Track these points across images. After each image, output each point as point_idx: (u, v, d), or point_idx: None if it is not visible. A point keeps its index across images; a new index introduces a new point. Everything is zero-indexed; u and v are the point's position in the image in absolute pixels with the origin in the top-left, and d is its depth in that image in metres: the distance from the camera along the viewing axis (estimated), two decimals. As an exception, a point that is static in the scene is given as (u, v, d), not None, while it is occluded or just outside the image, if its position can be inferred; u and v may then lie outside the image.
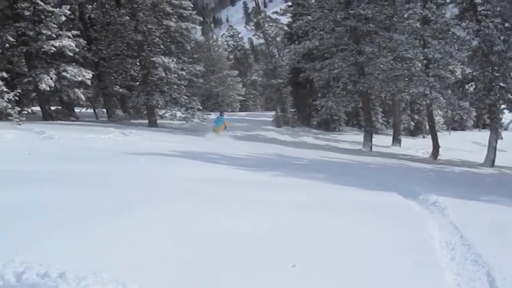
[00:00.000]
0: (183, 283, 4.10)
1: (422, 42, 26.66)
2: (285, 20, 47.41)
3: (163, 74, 29.32)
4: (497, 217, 8.46)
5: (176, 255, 4.62)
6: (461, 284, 4.86)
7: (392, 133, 40.36)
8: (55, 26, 24.72)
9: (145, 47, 30.18)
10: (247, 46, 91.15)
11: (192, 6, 33.01)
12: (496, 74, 24.50)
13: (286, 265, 4.66)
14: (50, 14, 24.76)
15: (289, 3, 43.62)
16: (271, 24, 49.40)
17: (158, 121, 32.01)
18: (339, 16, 28.94)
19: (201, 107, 32.94)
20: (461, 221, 7.66)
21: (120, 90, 31.97)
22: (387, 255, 5.49)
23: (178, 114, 31.62)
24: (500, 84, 24.65)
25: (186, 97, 30.79)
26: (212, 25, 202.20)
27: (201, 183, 8.94)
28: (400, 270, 5.02)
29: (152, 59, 29.08)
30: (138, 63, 31.50)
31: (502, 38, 23.63)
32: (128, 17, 29.70)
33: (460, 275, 5.15)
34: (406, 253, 5.68)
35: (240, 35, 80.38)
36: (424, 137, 48.92)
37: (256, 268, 4.55)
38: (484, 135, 31.24)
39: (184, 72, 30.41)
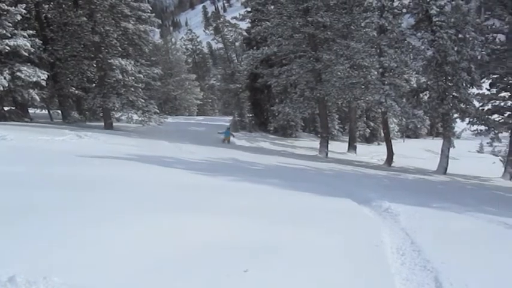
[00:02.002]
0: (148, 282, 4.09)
1: (378, 51, 27.13)
2: (244, 25, 47.64)
3: (120, 76, 29.06)
4: (447, 224, 8.70)
5: (130, 261, 4.57)
6: (409, 289, 4.96)
7: (348, 140, 40.86)
8: (10, 24, 24.22)
9: (103, 48, 29.91)
10: (206, 50, 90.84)
11: (151, 8, 32.90)
12: (450, 84, 25.07)
13: (239, 270, 4.68)
14: (5, 13, 24.24)
15: (249, 9, 43.75)
16: (230, 29, 49.60)
17: (114, 124, 31.73)
18: (297, 23, 29.15)
19: (158, 110, 32.86)
20: (412, 227, 7.81)
21: (76, 91, 31.43)
22: (338, 261, 5.54)
23: (135, 117, 31.42)
24: (453, 93, 25.24)
25: (143, 100, 30.61)
26: (171, 28, 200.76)
27: (157, 188, 8.89)
28: (350, 276, 5.07)
29: (109, 60, 28.83)
30: (94, 65, 31.17)
31: (455, 48, 24.18)
32: (85, 18, 29.32)
33: (409, 280, 5.25)
34: (357, 259, 5.74)
35: (199, 39, 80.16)
36: (379, 144, 49.77)
37: (210, 274, 4.56)
38: (437, 143, 31.88)
39: (141, 75, 30.26)
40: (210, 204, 7.87)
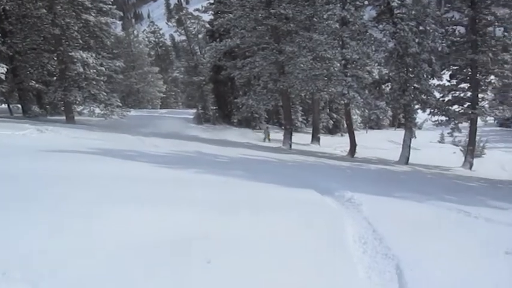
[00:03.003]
0: (99, 281, 4.05)
1: (340, 43, 27.31)
2: (207, 17, 47.39)
3: (82, 70, 28.70)
4: (408, 212, 8.85)
5: (94, 253, 4.56)
6: (371, 277, 5.04)
7: (311, 131, 41.07)
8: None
9: (63, 41, 29.47)
10: (168, 43, 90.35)
11: (112, 0, 32.47)
12: (411, 75, 25.36)
13: (202, 261, 4.69)
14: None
15: (211, 1, 43.57)
16: (193, 21, 49.30)
17: (76, 118, 31.38)
18: (260, 15, 29.12)
19: (120, 104, 32.56)
20: (374, 217, 7.92)
21: (36, 85, 30.94)
22: (300, 251, 5.58)
23: (97, 110, 31.11)
24: (415, 85, 25.55)
25: (105, 93, 30.32)
26: (133, 20, 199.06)
27: (121, 182, 8.81)
28: (312, 265, 5.12)
29: (70, 53, 28.43)
30: (55, 58, 30.68)
31: (416, 40, 24.45)
32: (45, 10, 28.84)
33: (371, 268, 5.35)
34: (319, 249, 5.81)
35: (161, 31, 79.65)
36: (342, 135, 50.19)
37: (173, 265, 4.56)
38: (399, 134, 32.28)
39: (103, 68, 29.95)
40: (173, 196, 7.84)
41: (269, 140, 36.00)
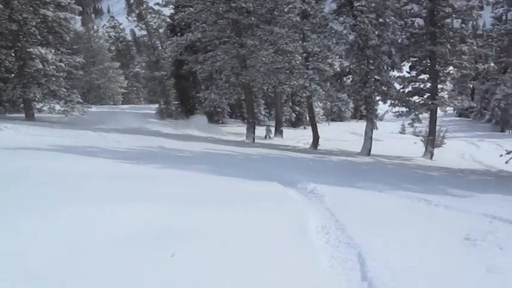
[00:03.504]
0: (67, 278, 4.01)
1: (302, 36, 27.48)
2: (168, 11, 46.99)
3: (41, 66, 28.12)
4: (370, 202, 8.98)
5: (56, 250, 4.51)
6: (334, 266, 5.08)
7: (274, 124, 41.19)
8: None
9: (21, 37, 28.85)
10: (129, 37, 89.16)
11: (71, -6, 31.97)
12: (371, 67, 25.60)
13: (166, 255, 4.67)
14: None
15: (172, -5, 43.26)
16: (153, 15, 48.93)
17: (36, 115, 30.77)
18: (221, 9, 28.97)
19: (81, 100, 32.07)
20: (337, 207, 8.00)
21: (-6, 82, 30.30)
22: (263, 243, 5.59)
23: (57, 107, 30.59)
24: (375, 77, 25.78)
25: (65, 89, 29.82)
26: (93, 15, 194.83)
27: (81, 178, 8.69)
28: (275, 256, 5.13)
29: (28, 49, 27.85)
30: (13, 54, 29.99)
31: (376, 32, 24.66)
32: (1, 5, 28.17)
33: (334, 257, 5.39)
34: (282, 240, 5.83)
35: (121, 26, 78.91)
36: (305, 128, 50.52)
37: (136, 259, 4.53)
38: (361, 125, 32.59)
39: (63, 64, 29.44)
40: (136, 192, 7.76)
41: (270, 137, 37.59)
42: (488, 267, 5.15)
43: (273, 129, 39.52)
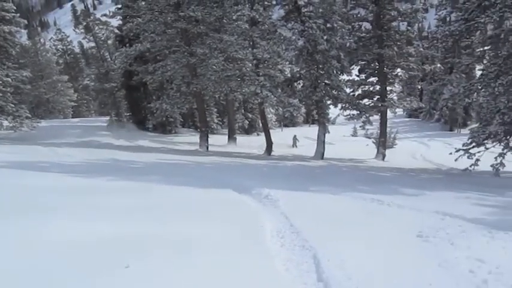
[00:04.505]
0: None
1: (251, 43, 27.60)
2: (116, 22, 46.52)
3: (-14, 81, 27.53)
4: (324, 205, 9.07)
5: (11, 263, 4.44)
6: (290, 269, 5.08)
7: (227, 132, 41.18)
8: None
9: (-36, 52, 28.21)
10: (77, 50, 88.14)
11: (15, 8, 31.49)
12: (321, 72, 25.88)
13: (120, 266, 4.61)
14: None
15: (119, 6, 42.81)
16: (101, 27, 48.34)
17: (-17, 132, 30.08)
18: (169, 18, 28.81)
19: (30, 115, 31.44)
20: (291, 211, 8.05)
21: None
22: (218, 249, 5.56)
23: (5, 123, 29.93)
24: (325, 81, 26.11)
25: (12, 105, 29.21)
26: (39, 28, 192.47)
27: (35, 192, 8.54)
28: (230, 262, 5.11)
29: (-28, 65, 27.24)
30: (-43, 70, 29.31)
31: (324, 37, 24.96)
32: None
33: (289, 260, 5.40)
34: (237, 245, 5.82)
35: (69, 39, 77.57)
36: (258, 134, 50.66)
37: (89, 271, 4.46)
38: (314, 130, 32.81)
39: (9, 79, 28.84)
40: (87, 204, 7.69)
41: (296, 146, 41.17)
42: (440, 263, 5.24)
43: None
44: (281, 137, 43.65)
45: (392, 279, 4.73)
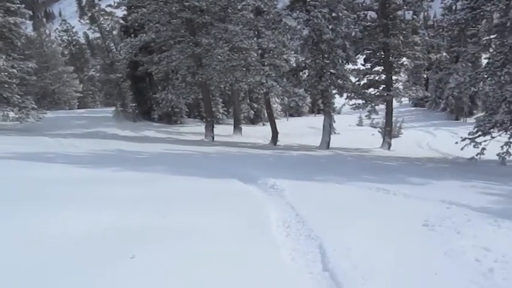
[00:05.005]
0: (24, 281, 3.97)
1: (256, 33, 27.50)
2: (121, 13, 46.37)
3: (-8, 73, 27.55)
4: (330, 194, 9.06)
5: (18, 256, 4.49)
6: (295, 258, 5.09)
7: (233, 122, 41.16)
8: None
9: (-31, 43, 28.23)
10: (82, 41, 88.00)
11: (20, -1, 31.41)
12: (327, 61, 25.77)
13: (125, 257, 4.63)
14: None
15: (124, -4, 42.72)
16: (106, 17, 48.18)
17: (-11, 123, 30.16)
18: (174, 8, 28.76)
19: (36, 106, 31.45)
20: (297, 201, 8.04)
21: None
22: (225, 240, 5.57)
23: (11, 114, 30.00)
24: (331, 70, 26.02)
25: (18, 96, 29.23)
26: (44, 19, 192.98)
27: (41, 184, 8.58)
28: (236, 252, 5.12)
29: (-22, 56, 27.26)
30: (-38, 61, 29.33)
31: (330, 27, 24.83)
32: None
33: (295, 249, 5.41)
34: (243, 235, 5.84)
35: (74, 30, 77.40)
36: (263, 124, 50.60)
37: (95, 262, 4.48)
38: (319, 119, 32.76)
39: (15, 70, 28.84)
40: (93, 195, 7.70)
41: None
42: (446, 252, 5.25)
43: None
44: (287, 126, 43.64)
45: (398, 268, 4.74)
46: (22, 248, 4.75)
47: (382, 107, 30.62)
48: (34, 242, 4.95)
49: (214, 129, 32.31)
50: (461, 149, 18.80)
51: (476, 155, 18.23)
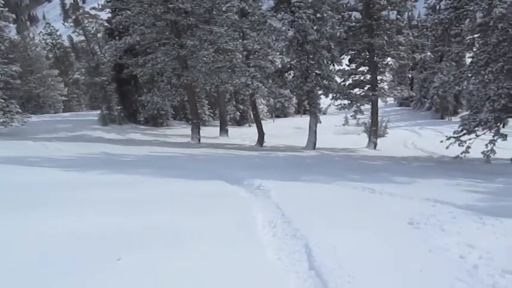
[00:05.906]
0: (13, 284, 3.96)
1: (241, 34, 27.51)
2: (105, 15, 46.24)
3: (-25, 77, 27.38)
4: (316, 194, 9.09)
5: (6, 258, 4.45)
6: (282, 258, 5.11)
7: (219, 124, 41.15)
8: None
9: (-47, 48, 28.02)
10: (67, 44, 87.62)
11: (3, 2, 31.27)
12: (312, 62, 25.86)
13: (112, 259, 4.62)
14: None
15: (108, -1, 42.53)
16: (90, 20, 47.95)
17: (-28, 127, 29.94)
18: (158, 10, 28.70)
19: (20, 110, 31.32)
20: (283, 201, 8.06)
21: None
22: (210, 241, 5.58)
23: (-5, 118, 29.82)
24: (316, 71, 26.11)
25: (2, 100, 29.11)
26: (28, 23, 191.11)
27: (24, 188, 8.54)
28: (222, 252, 5.14)
29: (-39, 60, 27.07)
30: None
31: (314, 28, 24.91)
32: None
33: (281, 249, 5.43)
34: (229, 236, 5.85)
35: (58, 33, 76.98)
36: (250, 125, 50.66)
37: (81, 264, 4.47)
38: (306, 120, 32.83)
39: (-1, 74, 28.69)
40: (78, 198, 7.69)
41: None
42: (430, 249, 5.30)
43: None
44: (273, 127, 43.68)
45: (384, 266, 4.77)
46: (6, 253, 4.73)
47: (367, 107, 30.73)
48: (18, 245, 4.93)
49: (201, 131, 32.27)
50: (447, 147, 18.91)
51: (461, 154, 18.33)
